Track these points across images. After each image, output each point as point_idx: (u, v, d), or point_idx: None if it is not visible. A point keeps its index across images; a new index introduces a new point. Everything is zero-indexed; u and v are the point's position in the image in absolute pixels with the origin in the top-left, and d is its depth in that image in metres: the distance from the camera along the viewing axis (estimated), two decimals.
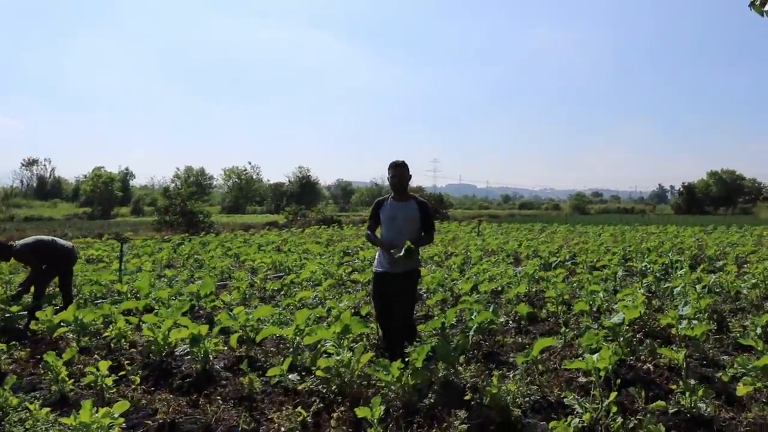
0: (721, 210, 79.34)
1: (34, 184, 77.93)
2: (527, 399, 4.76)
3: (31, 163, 77.65)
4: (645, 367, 5.74)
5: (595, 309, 7.97)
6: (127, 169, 76.21)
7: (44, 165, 78.87)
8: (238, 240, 21.11)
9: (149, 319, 6.64)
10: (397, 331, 5.77)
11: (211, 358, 5.93)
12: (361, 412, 3.87)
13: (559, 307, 8.22)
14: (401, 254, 5.47)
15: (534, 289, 10.01)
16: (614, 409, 4.08)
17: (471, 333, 6.35)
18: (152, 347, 6.23)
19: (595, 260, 13.41)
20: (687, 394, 4.41)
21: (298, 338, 6.12)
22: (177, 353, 6.12)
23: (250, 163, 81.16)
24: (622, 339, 5.89)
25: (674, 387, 4.74)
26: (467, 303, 7.14)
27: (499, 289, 9.67)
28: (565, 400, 4.54)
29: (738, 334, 6.76)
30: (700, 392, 4.35)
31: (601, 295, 7.81)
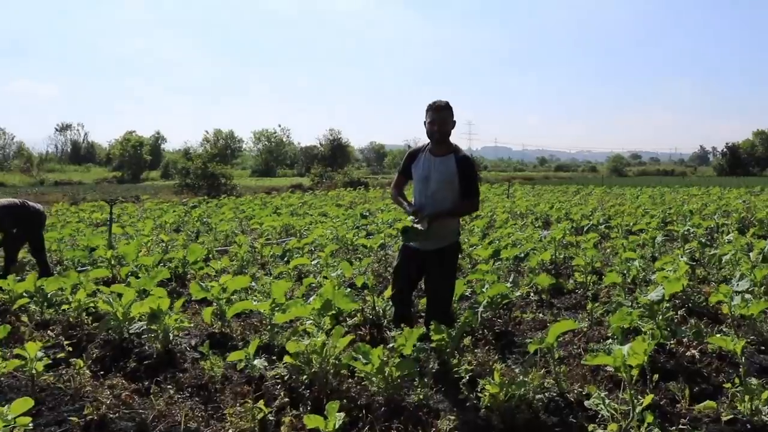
0: (767, 171, 76.06)
1: (69, 150, 78.54)
2: (540, 397, 3.80)
3: (64, 128, 78.13)
4: (689, 353, 4.72)
5: (629, 280, 6.92)
6: (158, 133, 76.03)
7: (78, 130, 79.37)
8: (255, 203, 20.35)
9: (117, 288, 5.85)
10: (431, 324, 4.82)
11: (171, 337, 5.11)
12: (311, 421, 2.96)
13: (589, 277, 7.21)
14: (417, 226, 4.52)
15: (562, 256, 8.97)
16: (650, 418, 3.11)
17: (480, 309, 5.40)
18: (111, 322, 5.43)
19: (631, 224, 12.24)
20: (746, 397, 3.40)
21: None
22: (133, 331, 5.29)
23: (279, 126, 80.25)
24: (660, 318, 4.87)
25: (728, 386, 3.72)
26: (480, 273, 6.17)
27: (522, 255, 8.65)
28: (586, 402, 3.57)
29: None
30: (765, 395, 3.34)
31: (636, 263, 6.75)
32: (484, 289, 5.61)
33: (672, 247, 10.10)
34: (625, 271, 7.05)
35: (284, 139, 75.63)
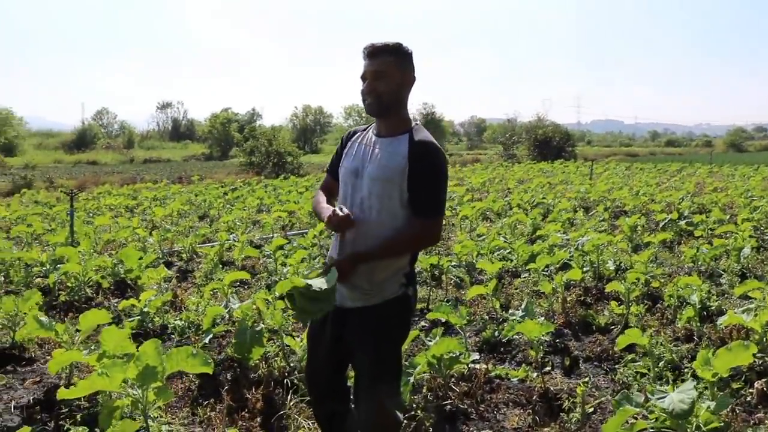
0: None
1: (169, 127, 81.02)
2: None
3: (165, 106, 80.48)
4: None
5: (680, 324, 4.71)
6: (253, 109, 76.67)
7: (177, 107, 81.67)
8: (304, 184, 18.81)
9: None
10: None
11: None
12: None
13: (633, 308, 5.03)
14: (320, 275, 2.44)
15: (614, 266, 6.73)
16: None
17: (411, 379, 3.45)
18: None
19: (726, 219, 9.62)
20: None
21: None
22: None
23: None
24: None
25: None
26: (444, 309, 4.18)
27: (554, 268, 6.51)
28: None
29: None
30: None
31: (695, 297, 4.51)
32: (431, 342, 3.66)
33: None
34: (678, 302, 4.86)
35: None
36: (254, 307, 4.64)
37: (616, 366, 4.28)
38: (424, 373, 3.59)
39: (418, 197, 2.51)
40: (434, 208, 2.53)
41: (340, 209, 2.53)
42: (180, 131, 79.00)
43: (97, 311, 4.15)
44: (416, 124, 2.65)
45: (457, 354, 3.55)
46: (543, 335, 4.24)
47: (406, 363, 3.61)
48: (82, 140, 55.99)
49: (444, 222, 10.75)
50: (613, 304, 5.19)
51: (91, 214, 12.27)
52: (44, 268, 6.82)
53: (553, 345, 4.77)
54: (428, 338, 3.82)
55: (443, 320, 4.49)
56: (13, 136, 47.49)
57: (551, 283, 5.18)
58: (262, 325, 4.30)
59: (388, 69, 2.53)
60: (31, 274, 6.80)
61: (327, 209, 2.63)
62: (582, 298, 5.87)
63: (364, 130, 2.77)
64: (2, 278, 6.91)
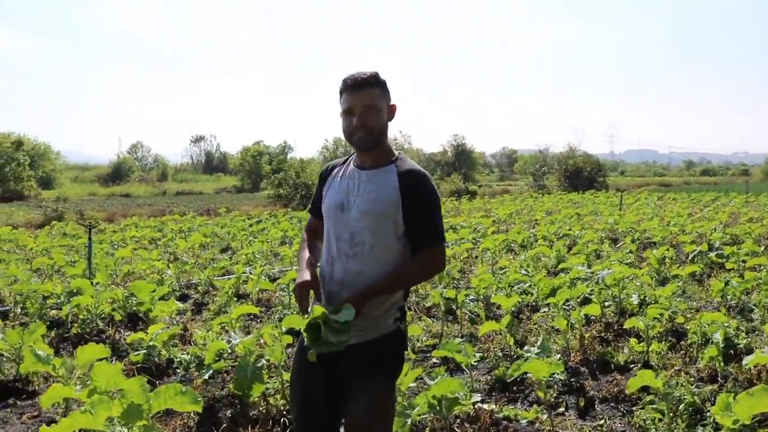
0: None
1: (203, 160, 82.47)
2: None
3: (198, 139, 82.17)
4: None
5: (702, 364, 4.46)
6: (284, 142, 77.69)
7: (210, 141, 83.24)
8: None
9: None
10: None
11: None
12: None
13: (654, 345, 4.79)
14: (333, 312, 2.32)
15: (637, 300, 6.46)
16: None
17: (409, 421, 3.28)
18: None
19: (760, 251, 9.25)
20: None
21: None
22: None
23: (400, 132, 78.57)
24: None
25: None
26: (450, 346, 4.02)
27: (573, 303, 6.27)
28: None
29: None
30: None
31: (718, 336, 4.26)
32: (432, 383, 3.49)
33: None
34: (698, 341, 4.60)
35: (405, 146, 74.28)
36: (259, 341, 4.54)
37: (634, 408, 4.05)
38: (425, 414, 3.41)
39: (418, 227, 2.47)
40: (435, 235, 2.48)
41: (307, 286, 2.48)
42: (213, 164, 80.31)
43: (94, 345, 4.09)
44: (399, 153, 2.60)
45: (461, 395, 3.37)
46: (558, 374, 4.06)
47: (406, 404, 3.44)
48: (117, 173, 57.21)
49: (466, 255, 10.73)
50: (633, 341, 4.94)
51: (115, 246, 12.37)
52: (59, 300, 6.82)
53: (567, 384, 4.54)
54: (431, 377, 3.64)
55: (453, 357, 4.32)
56: (50, 169, 48.72)
57: (567, 318, 4.95)
58: (264, 361, 4.19)
59: (377, 102, 2.47)
60: (46, 306, 6.81)
61: (301, 275, 2.51)
62: (602, 334, 5.64)
63: (343, 163, 2.68)
64: (19, 310, 6.97)
